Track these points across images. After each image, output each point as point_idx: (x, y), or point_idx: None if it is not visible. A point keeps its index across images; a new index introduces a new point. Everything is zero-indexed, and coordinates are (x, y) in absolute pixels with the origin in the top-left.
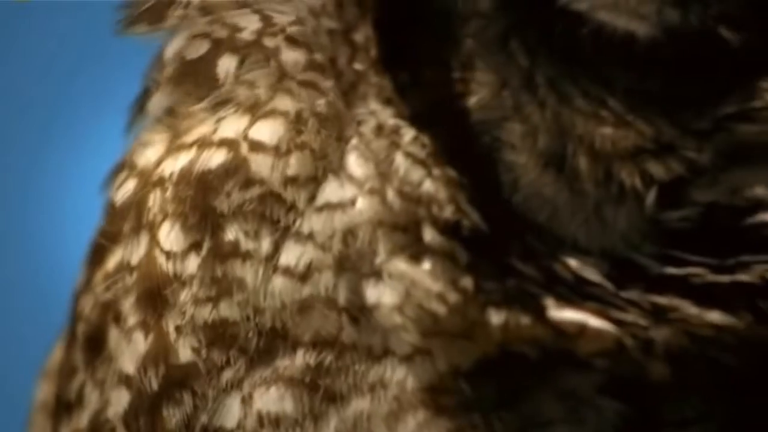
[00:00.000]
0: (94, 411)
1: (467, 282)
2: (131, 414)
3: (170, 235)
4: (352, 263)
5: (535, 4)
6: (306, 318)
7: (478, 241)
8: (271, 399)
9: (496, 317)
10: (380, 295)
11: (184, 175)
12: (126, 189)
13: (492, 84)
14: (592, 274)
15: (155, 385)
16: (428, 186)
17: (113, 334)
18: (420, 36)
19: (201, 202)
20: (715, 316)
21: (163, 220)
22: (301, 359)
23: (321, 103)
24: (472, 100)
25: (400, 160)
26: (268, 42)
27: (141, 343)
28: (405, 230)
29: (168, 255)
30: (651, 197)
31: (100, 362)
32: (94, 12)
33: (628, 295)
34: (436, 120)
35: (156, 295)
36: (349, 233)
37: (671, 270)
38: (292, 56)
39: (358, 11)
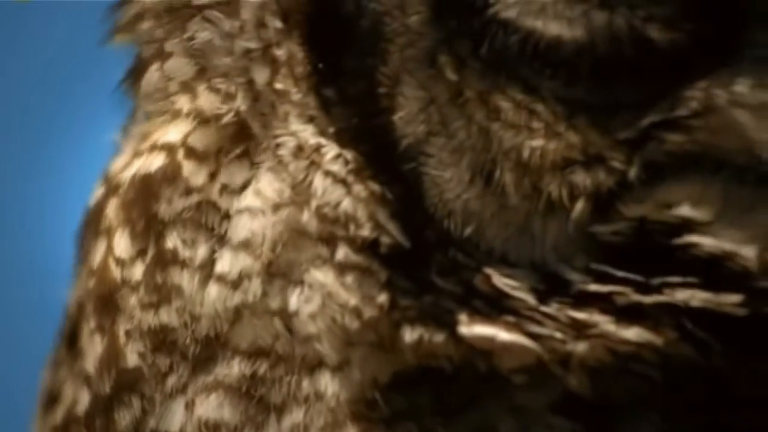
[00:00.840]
0: (67, 407)
1: (383, 298)
2: (90, 414)
3: (120, 242)
4: (281, 271)
5: (466, 16)
6: (240, 326)
7: (398, 257)
8: (211, 406)
9: (409, 334)
10: (300, 304)
11: (132, 181)
12: (95, 195)
13: (419, 99)
14: (513, 288)
15: (107, 388)
16: (346, 205)
17: (84, 332)
18: (347, 51)
19: (145, 208)
20: (632, 333)
21: (117, 226)
22: (237, 368)
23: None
24: (398, 116)
25: (318, 181)
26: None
27: (98, 345)
28: (324, 244)
29: (118, 261)
30: (578, 210)
31: (74, 358)
32: (94, 12)
33: (549, 310)
34: (361, 135)
35: (109, 300)
36: (275, 242)
37: (595, 287)
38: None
39: (283, 27)
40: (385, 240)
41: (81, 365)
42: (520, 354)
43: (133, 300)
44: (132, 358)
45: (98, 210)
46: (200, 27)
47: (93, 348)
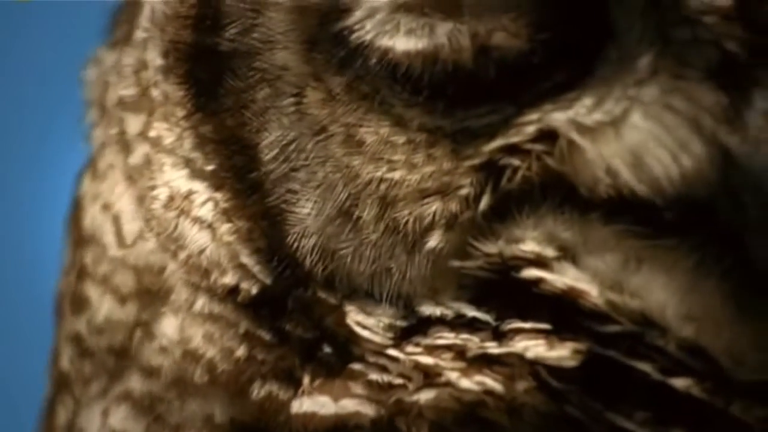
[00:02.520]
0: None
1: (241, 352)
2: (45, 406)
3: (65, 253)
4: (145, 319)
5: (332, 47)
6: (140, 342)
7: (258, 303)
8: (120, 416)
9: (258, 390)
10: (155, 352)
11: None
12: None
13: (283, 135)
14: (367, 329)
15: (52, 382)
16: (210, 251)
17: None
18: (224, 87)
19: (76, 220)
20: (478, 382)
21: (66, 238)
22: (140, 383)
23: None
24: (266, 151)
25: (186, 229)
26: None
27: (53, 344)
28: (186, 295)
29: (64, 270)
30: (434, 243)
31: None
32: (94, 12)
33: (399, 354)
34: (235, 172)
35: (62, 303)
36: (139, 294)
37: (448, 332)
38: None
39: (163, 64)
40: (245, 286)
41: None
42: (357, 416)
43: (66, 307)
44: (63, 362)
45: (70, 216)
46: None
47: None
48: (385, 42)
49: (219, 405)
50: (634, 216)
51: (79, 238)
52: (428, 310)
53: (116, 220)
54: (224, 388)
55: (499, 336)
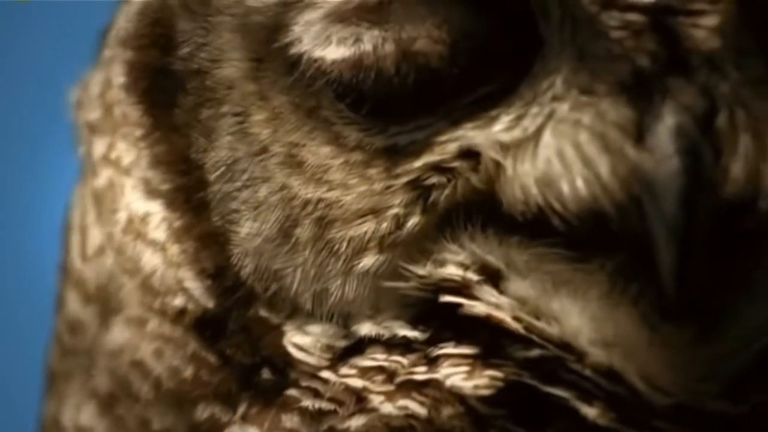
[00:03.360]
0: None
1: (189, 372)
2: (42, 396)
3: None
4: (109, 309)
5: (278, 63)
6: (98, 345)
7: (205, 325)
8: (88, 413)
9: (202, 411)
10: (115, 339)
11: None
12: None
13: (227, 155)
14: (303, 351)
15: (45, 378)
16: (162, 274)
17: None
18: (179, 106)
19: (64, 226)
20: (404, 407)
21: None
22: (105, 381)
23: None
24: (212, 171)
25: (140, 252)
26: None
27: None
28: (140, 315)
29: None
30: (368, 263)
31: None
32: (94, 12)
33: (334, 377)
34: (183, 192)
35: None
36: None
37: (380, 354)
38: None
39: (125, 81)
40: (191, 308)
41: None
42: None
43: (55, 305)
44: (54, 357)
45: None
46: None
47: None
48: (317, 53)
49: (162, 419)
50: (553, 238)
51: (65, 242)
52: (366, 330)
53: (83, 236)
54: (169, 404)
55: (430, 360)
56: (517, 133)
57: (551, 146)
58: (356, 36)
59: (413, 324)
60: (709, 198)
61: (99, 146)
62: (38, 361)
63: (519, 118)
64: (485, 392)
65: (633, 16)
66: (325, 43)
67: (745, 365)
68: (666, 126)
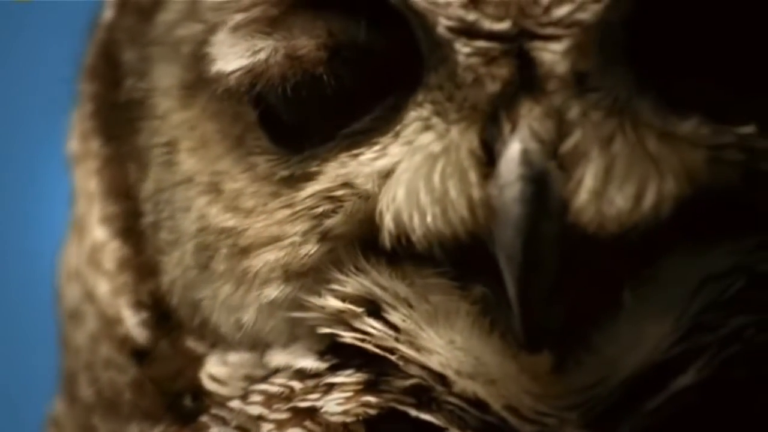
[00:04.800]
0: None
1: (128, 395)
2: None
3: None
4: (77, 321)
5: (206, 91)
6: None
7: (140, 354)
8: (61, 407)
9: (134, 428)
10: (79, 344)
11: None
12: None
13: (154, 185)
14: (217, 382)
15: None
16: (108, 303)
17: None
18: (130, 136)
19: None
20: None
21: None
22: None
23: None
24: (145, 200)
25: (96, 281)
26: None
27: None
28: (99, 334)
29: None
30: (272, 294)
31: None
32: (95, 12)
33: (242, 403)
34: (126, 222)
35: None
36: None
37: (281, 383)
38: None
39: (90, 111)
40: (130, 337)
41: None
42: None
43: None
44: (63, 359)
45: None
46: None
47: None
48: (221, 67)
49: (105, 424)
50: (436, 268)
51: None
52: (278, 360)
53: (66, 259)
54: (108, 413)
55: (327, 388)
56: (383, 163)
57: (411, 176)
58: (253, 47)
59: (324, 354)
60: (554, 225)
61: (77, 175)
62: (38, 362)
63: (385, 147)
64: (353, 418)
65: (486, 43)
66: (227, 57)
67: (612, 395)
68: (511, 152)
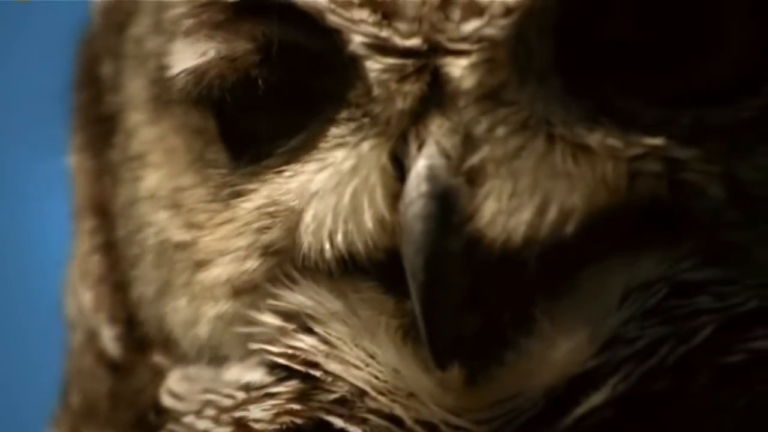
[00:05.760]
0: None
1: (104, 404)
2: None
3: None
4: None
5: (172, 104)
6: None
7: (115, 368)
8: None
9: None
10: (73, 346)
11: None
12: None
13: (122, 201)
14: (175, 398)
15: None
16: (91, 315)
17: None
18: (101, 148)
19: None
20: None
21: None
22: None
23: None
24: (117, 215)
25: (82, 297)
26: None
27: None
28: (85, 346)
29: None
30: (220, 309)
31: None
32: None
33: (195, 418)
34: (102, 236)
35: None
36: None
37: (228, 395)
38: None
39: (78, 121)
40: (106, 351)
41: None
42: None
43: None
44: None
45: None
46: None
47: None
48: (171, 71)
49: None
50: (361, 282)
51: None
52: (231, 373)
53: (67, 274)
54: (89, 426)
55: (263, 397)
56: (306, 180)
57: (327, 194)
58: (198, 50)
59: (274, 367)
60: (458, 241)
61: (77, 190)
62: (38, 362)
63: (309, 165)
64: (277, 427)
65: (398, 59)
66: (177, 62)
67: (529, 410)
68: (416, 169)
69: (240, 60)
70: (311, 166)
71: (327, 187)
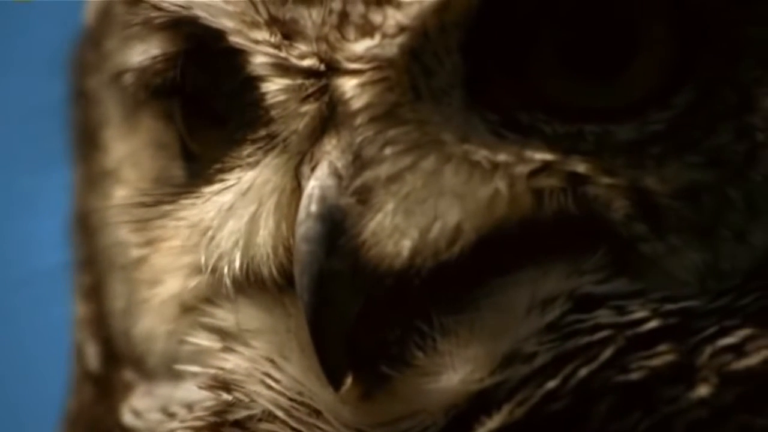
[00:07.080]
0: None
1: (86, 415)
2: None
3: None
4: None
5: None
6: None
7: (96, 383)
8: None
9: None
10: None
11: None
12: None
13: (101, 213)
14: (137, 415)
15: None
16: (79, 328)
17: None
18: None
19: None
20: None
21: None
22: None
23: None
24: (95, 232)
25: (75, 306)
26: None
27: None
28: (76, 360)
29: None
30: (171, 326)
31: None
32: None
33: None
34: (90, 252)
35: None
36: None
37: (176, 412)
38: None
39: (75, 133)
40: (89, 366)
41: None
42: None
43: None
44: None
45: None
46: None
47: None
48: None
49: None
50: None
51: None
52: (182, 392)
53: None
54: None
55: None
56: (221, 201)
57: (233, 215)
58: (143, 49)
59: (203, 387)
60: (344, 262)
61: (71, 202)
62: (38, 362)
63: (225, 184)
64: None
65: (295, 80)
66: (127, 61)
67: (430, 427)
68: (307, 190)
69: (169, 62)
70: (227, 185)
71: (235, 207)
